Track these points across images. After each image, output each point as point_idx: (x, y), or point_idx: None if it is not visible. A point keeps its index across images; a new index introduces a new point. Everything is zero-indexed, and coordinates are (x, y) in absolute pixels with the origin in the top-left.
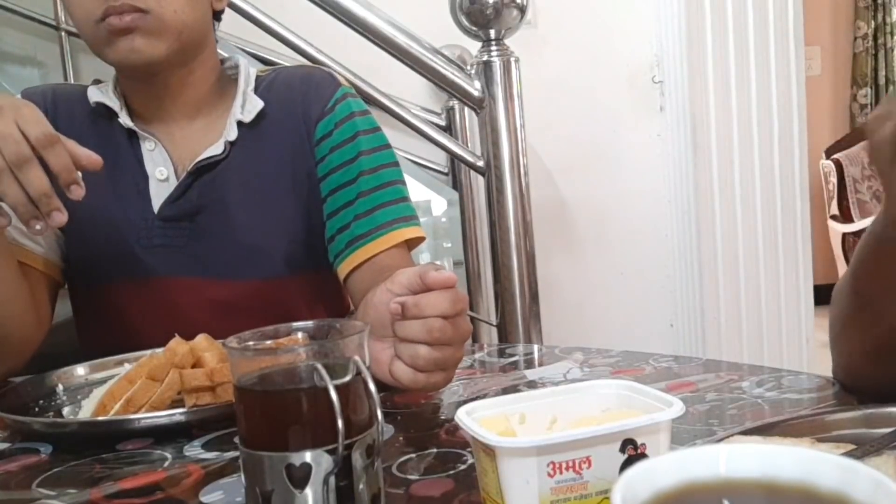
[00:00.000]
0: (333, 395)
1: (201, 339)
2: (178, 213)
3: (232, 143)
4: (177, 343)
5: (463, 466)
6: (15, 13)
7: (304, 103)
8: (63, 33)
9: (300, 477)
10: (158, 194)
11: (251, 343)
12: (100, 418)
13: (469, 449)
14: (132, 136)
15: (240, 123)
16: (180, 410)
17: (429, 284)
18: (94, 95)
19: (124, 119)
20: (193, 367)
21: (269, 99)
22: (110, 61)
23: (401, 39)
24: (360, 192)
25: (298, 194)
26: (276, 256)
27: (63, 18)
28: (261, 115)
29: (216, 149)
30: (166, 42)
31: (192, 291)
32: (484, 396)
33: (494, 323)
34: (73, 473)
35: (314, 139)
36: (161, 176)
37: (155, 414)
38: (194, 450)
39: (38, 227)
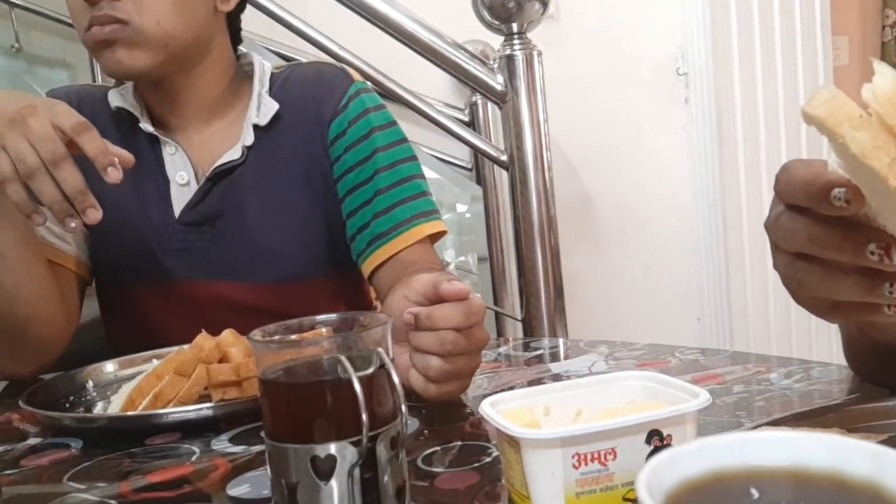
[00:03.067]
0: (357, 387)
1: (227, 335)
2: (199, 218)
3: (249, 147)
4: (203, 338)
5: (488, 459)
6: (44, 16)
7: (317, 102)
8: None
9: (325, 469)
10: (179, 198)
11: (275, 336)
12: (128, 413)
13: (494, 441)
14: (153, 140)
15: (255, 126)
16: (207, 405)
17: (442, 296)
18: (115, 100)
19: (145, 124)
20: (220, 362)
21: (283, 100)
22: (103, 71)
23: (423, 35)
24: (378, 189)
25: (315, 195)
26: (295, 258)
27: None
28: (276, 117)
29: (234, 153)
30: (149, 53)
31: (213, 294)
32: (509, 389)
33: (519, 318)
34: (102, 467)
35: (328, 139)
36: (182, 181)
37: (182, 409)
38: (221, 444)
39: (72, 224)
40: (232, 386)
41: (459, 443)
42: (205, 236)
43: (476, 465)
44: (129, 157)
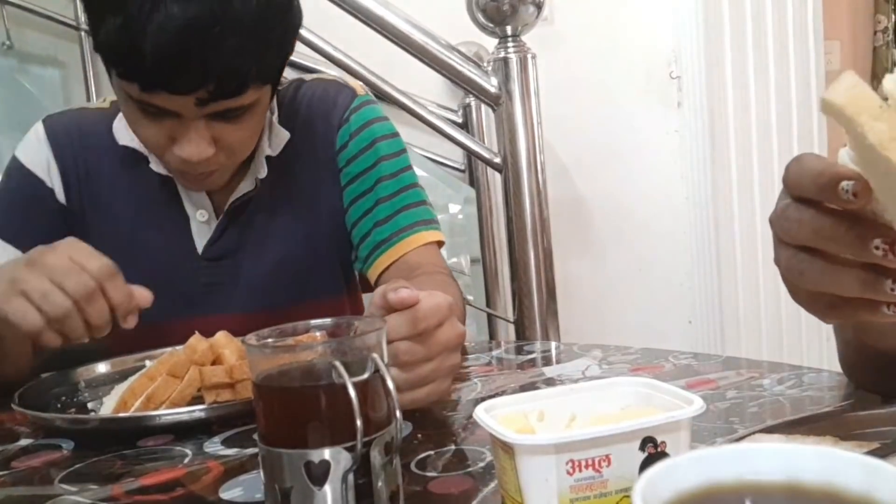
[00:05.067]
0: (352, 392)
1: (221, 336)
2: (220, 253)
3: (262, 179)
4: (196, 340)
5: (482, 464)
6: (35, 13)
7: (324, 124)
8: (83, 33)
9: (319, 474)
10: (200, 234)
11: (270, 340)
12: (121, 415)
13: (488, 446)
14: (166, 177)
15: (268, 158)
16: (200, 407)
17: (390, 306)
18: (123, 138)
19: (157, 167)
20: (213, 364)
21: (292, 127)
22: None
23: (417, 37)
24: (379, 198)
25: (327, 217)
26: (314, 281)
27: (83, 18)
28: (287, 146)
29: (248, 185)
30: (230, 172)
31: (239, 326)
32: (502, 393)
33: (512, 320)
34: (94, 469)
35: (333, 153)
36: (202, 218)
37: (175, 410)
38: (214, 446)
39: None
40: (225, 388)
41: (453, 447)
42: (227, 270)
43: (470, 469)
44: (148, 295)
